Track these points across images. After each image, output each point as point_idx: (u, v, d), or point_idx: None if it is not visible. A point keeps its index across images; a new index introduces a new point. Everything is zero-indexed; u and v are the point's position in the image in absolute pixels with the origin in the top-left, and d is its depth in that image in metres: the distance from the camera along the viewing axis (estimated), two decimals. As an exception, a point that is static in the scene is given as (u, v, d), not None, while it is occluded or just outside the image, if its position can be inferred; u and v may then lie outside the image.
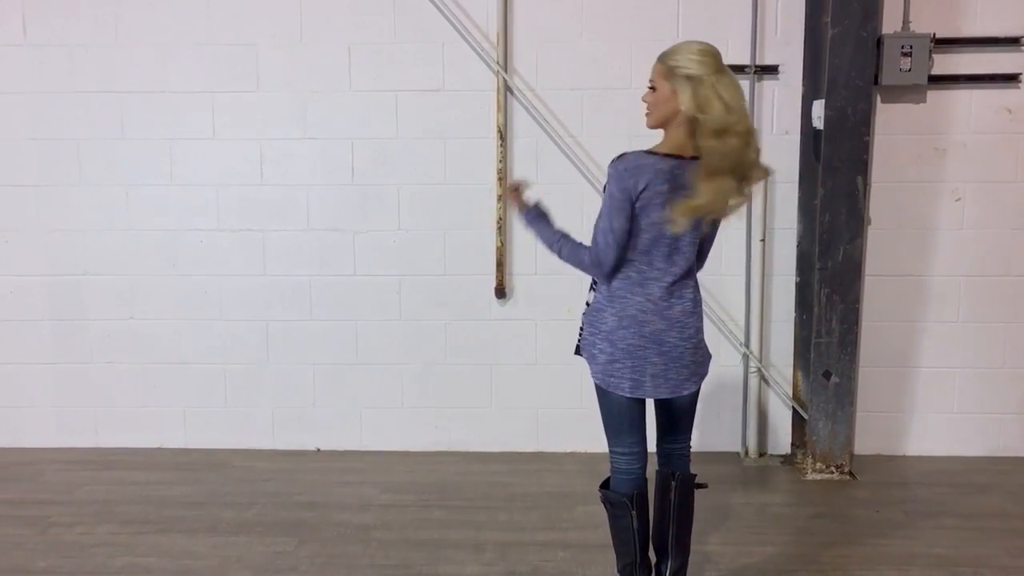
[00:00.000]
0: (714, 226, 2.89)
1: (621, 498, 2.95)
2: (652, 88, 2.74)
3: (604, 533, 3.75)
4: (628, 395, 2.84)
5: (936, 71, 4.33)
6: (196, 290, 4.72)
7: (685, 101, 2.65)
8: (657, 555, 3.09)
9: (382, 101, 4.55)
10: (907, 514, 4.00)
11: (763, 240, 4.53)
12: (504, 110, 4.49)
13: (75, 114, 4.61)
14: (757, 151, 2.72)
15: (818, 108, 4.23)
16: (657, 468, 3.08)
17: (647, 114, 2.77)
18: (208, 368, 4.78)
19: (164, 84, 4.58)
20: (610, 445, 2.96)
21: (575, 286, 4.60)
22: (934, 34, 4.27)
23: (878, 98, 4.40)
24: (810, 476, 4.42)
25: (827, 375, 4.36)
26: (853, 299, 4.31)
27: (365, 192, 4.63)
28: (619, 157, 2.74)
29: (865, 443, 4.66)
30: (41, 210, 4.69)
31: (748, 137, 2.67)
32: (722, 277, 4.59)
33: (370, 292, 4.70)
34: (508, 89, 4.50)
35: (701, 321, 2.90)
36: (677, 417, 3.03)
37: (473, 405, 4.77)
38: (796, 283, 4.57)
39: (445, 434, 4.80)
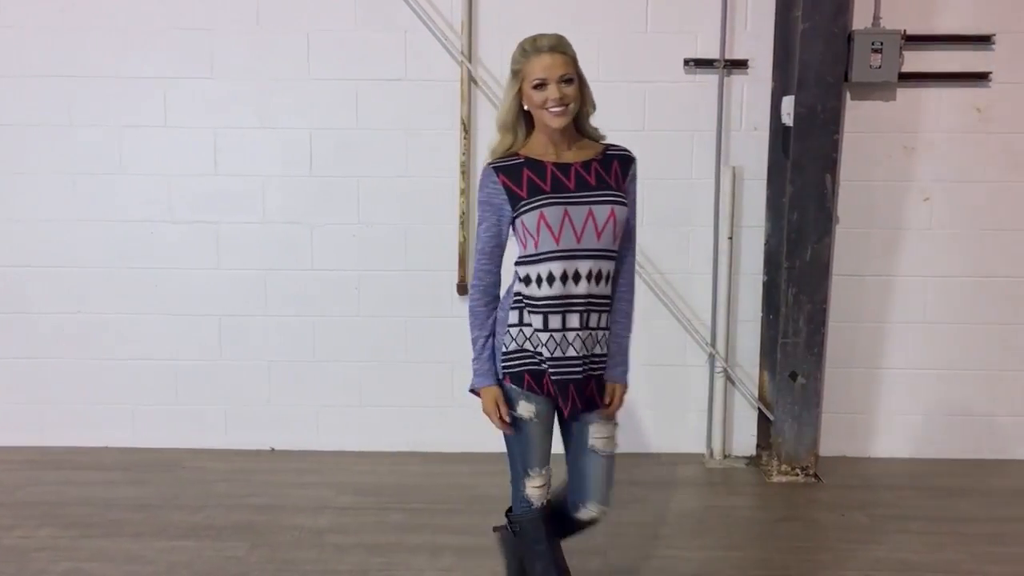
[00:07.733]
0: None
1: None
2: (570, 81, 2.48)
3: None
4: None
5: (906, 68, 4.29)
6: (146, 284, 4.56)
7: (589, 94, 2.58)
8: None
9: (342, 90, 4.42)
10: (872, 518, 3.95)
11: (731, 238, 4.46)
12: (468, 101, 4.37)
13: (21, 99, 4.43)
14: None
15: (788, 104, 4.16)
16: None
17: (563, 112, 2.48)
18: (158, 364, 4.62)
19: (115, 69, 4.41)
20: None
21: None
22: (904, 31, 4.23)
23: (848, 95, 4.34)
24: (775, 478, 4.36)
25: (793, 376, 4.30)
26: (821, 299, 4.25)
27: (324, 184, 4.50)
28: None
29: (830, 444, 4.61)
30: (-16, 199, 4.51)
31: None
32: (689, 275, 4.53)
33: (328, 287, 4.57)
34: (472, 80, 4.38)
35: None
36: None
37: (434, 404, 4.65)
38: (763, 282, 4.50)
39: (405, 434, 4.68)
